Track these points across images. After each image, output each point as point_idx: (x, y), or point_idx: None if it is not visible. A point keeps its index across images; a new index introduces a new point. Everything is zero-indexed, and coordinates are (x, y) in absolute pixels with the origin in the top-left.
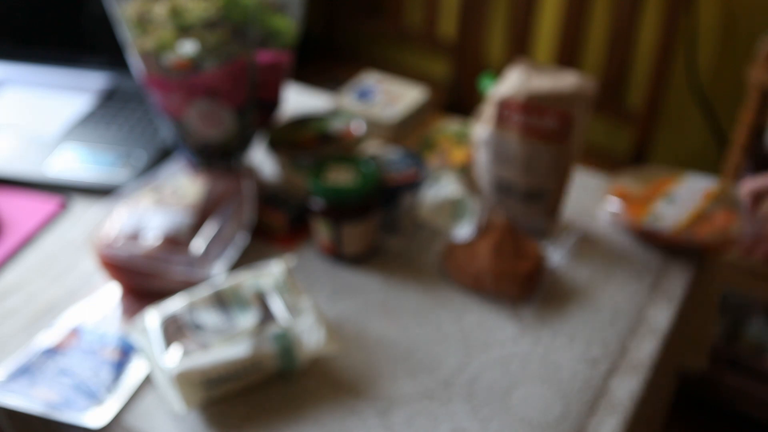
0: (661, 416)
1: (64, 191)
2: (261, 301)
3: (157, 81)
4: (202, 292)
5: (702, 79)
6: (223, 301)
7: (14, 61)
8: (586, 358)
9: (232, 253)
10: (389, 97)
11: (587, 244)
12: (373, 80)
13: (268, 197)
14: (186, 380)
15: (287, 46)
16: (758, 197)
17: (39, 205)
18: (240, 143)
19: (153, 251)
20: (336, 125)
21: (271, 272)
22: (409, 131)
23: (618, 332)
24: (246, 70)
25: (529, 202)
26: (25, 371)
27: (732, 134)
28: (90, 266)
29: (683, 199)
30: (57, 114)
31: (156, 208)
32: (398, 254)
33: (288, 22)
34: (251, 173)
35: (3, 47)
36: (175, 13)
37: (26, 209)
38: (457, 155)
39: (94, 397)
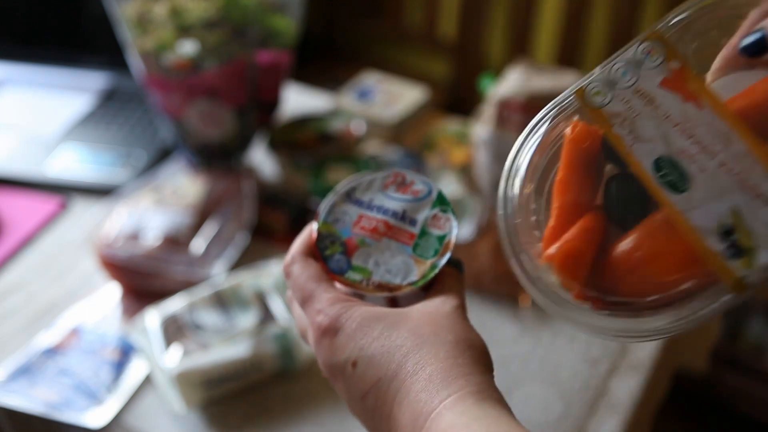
0: (654, 414)
1: (64, 191)
2: (261, 301)
3: (157, 81)
4: (202, 292)
5: None
6: (223, 301)
7: (14, 61)
8: (586, 358)
9: (232, 253)
10: (389, 97)
11: None
12: (373, 80)
13: (268, 197)
14: (186, 380)
15: (287, 46)
16: None
17: (39, 205)
18: (240, 143)
19: (153, 251)
20: (336, 125)
21: (271, 272)
22: (409, 131)
23: None
24: (246, 70)
25: None
26: (25, 371)
27: None
28: (90, 266)
29: None
30: (57, 114)
31: (156, 208)
32: None
33: (288, 22)
34: (251, 173)
35: (3, 47)
36: (175, 13)
37: (26, 209)
38: (457, 155)
39: (94, 397)
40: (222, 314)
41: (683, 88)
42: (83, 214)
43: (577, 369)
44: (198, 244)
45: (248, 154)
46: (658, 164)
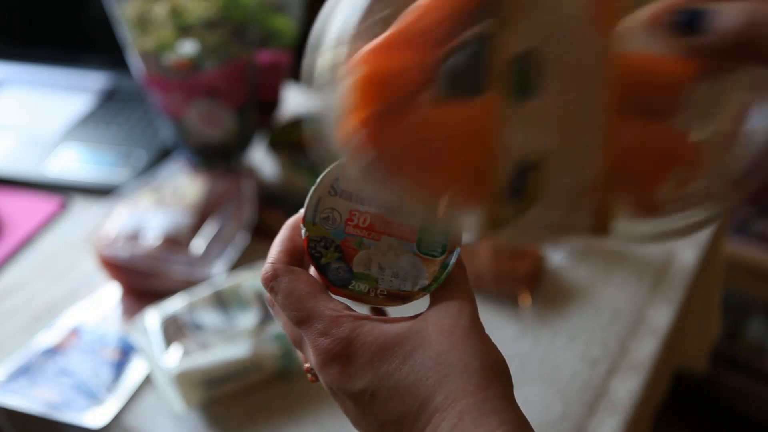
0: (654, 414)
1: (64, 191)
2: (261, 301)
3: (157, 81)
4: (202, 292)
5: None
6: (223, 301)
7: (14, 61)
8: (586, 358)
9: (232, 253)
10: None
11: (587, 244)
12: None
13: (268, 197)
14: (186, 380)
15: (287, 46)
16: None
17: (39, 205)
18: (240, 143)
19: (153, 251)
20: None
21: None
22: None
23: (618, 332)
24: (246, 70)
25: None
26: (25, 371)
27: None
28: (90, 266)
29: None
30: (57, 114)
31: (156, 208)
32: None
33: (288, 22)
34: (251, 173)
35: (3, 47)
36: (175, 13)
37: (26, 209)
38: None
39: (94, 397)
40: (222, 314)
41: (607, 2)
42: (83, 214)
43: (577, 369)
44: (198, 244)
45: (248, 154)
46: (524, 55)
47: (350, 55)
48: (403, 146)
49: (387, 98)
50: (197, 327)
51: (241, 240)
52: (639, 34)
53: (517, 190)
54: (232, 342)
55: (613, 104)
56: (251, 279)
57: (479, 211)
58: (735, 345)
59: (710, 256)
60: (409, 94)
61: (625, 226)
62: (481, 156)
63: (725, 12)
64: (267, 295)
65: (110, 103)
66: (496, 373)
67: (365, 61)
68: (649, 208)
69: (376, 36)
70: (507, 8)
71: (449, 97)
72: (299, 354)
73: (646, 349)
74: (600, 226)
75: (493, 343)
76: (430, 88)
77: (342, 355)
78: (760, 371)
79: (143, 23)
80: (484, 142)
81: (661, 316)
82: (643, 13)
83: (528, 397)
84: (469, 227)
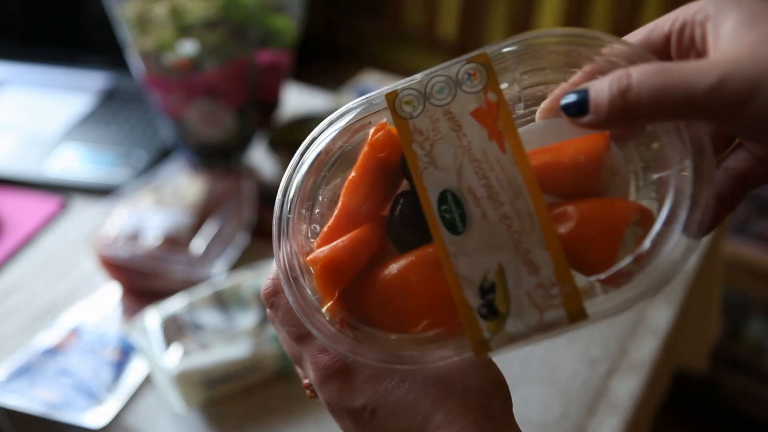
0: (654, 414)
1: (64, 191)
2: (261, 301)
3: (157, 81)
4: (202, 292)
5: None
6: (223, 301)
7: (14, 61)
8: (586, 358)
9: (232, 253)
10: None
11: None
12: (373, 80)
13: (268, 197)
14: (186, 380)
15: (287, 46)
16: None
17: (39, 205)
18: (240, 143)
19: (153, 251)
20: None
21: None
22: None
23: (618, 332)
24: (246, 70)
25: None
26: (25, 371)
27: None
28: (90, 266)
29: None
30: (57, 114)
31: (156, 208)
32: None
33: (288, 22)
34: (251, 173)
35: (3, 47)
36: (175, 13)
37: (26, 209)
38: None
39: (94, 397)
40: (222, 314)
41: (492, 124)
42: (83, 214)
43: (577, 369)
44: (198, 244)
45: (248, 154)
46: (443, 197)
47: (305, 258)
48: (378, 308)
49: (346, 279)
50: (197, 327)
51: (241, 240)
52: (545, 127)
53: (489, 309)
54: (232, 342)
55: (540, 203)
56: (251, 279)
57: (464, 338)
58: (735, 345)
59: (710, 256)
60: (367, 264)
61: (601, 302)
62: (446, 293)
63: (593, 89)
64: (268, 310)
65: (110, 103)
66: (495, 392)
67: (318, 256)
68: (614, 277)
69: (320, 225)
70: (412, 164)
71: (403, 250)
72: (298, 371)
73: (646, 349)
74: (576, 314)
75: (493, 362)
76: (385, 247)
77: (342, 371)
78: (760, 371)
79: (143, 23)
80: (444, 280)
81: (661, 316)
82: (541, 107)
83: (528, 397)
84: (462, 350)
